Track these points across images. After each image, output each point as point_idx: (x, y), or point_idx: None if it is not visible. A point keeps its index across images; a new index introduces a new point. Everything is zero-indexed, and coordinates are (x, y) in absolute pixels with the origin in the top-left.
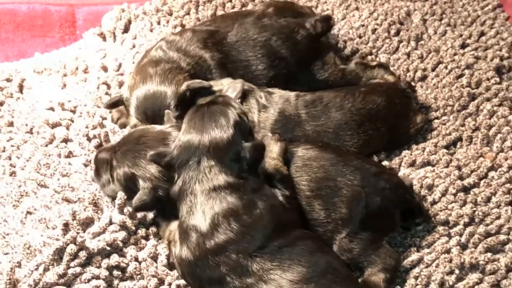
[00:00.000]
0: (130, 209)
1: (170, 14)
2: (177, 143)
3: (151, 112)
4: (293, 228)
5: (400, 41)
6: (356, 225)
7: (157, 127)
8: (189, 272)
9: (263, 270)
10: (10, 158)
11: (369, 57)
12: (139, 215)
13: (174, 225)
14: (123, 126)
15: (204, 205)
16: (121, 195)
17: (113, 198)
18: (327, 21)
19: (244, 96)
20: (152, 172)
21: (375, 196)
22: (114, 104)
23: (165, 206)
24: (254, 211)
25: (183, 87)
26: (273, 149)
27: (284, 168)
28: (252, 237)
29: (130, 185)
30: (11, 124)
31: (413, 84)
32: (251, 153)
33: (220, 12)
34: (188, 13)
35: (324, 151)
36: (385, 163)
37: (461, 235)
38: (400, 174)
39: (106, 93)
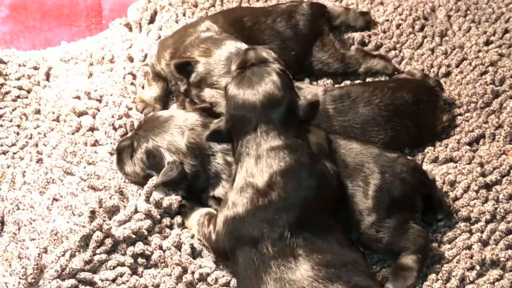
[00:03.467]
0: (156, 198)
1: (196, 6)
2: (228, 116)
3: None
4: (330, 216)
5: (424, 37)
6: (380, 213)
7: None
8: (231, 229)
9: (296, 245)
10: (37, 145)
11: (393, 52)
12: (165, 204)
13: (202, 209)
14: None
15: (264, 163)
16: (150, 184)
17: (138, 183)
18: (321, 7)
19: None
20: (179, 147)
21: (395, 182)
22: (184, 66)
23: (192, 184)
24: (310, 176)
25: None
26: (320, 133)
27: (329, 151)
28: (298, 201)
29: (153, 163)
30: (38, 111)
31: None
32: (307, 109)
33: (245, 5)
34: (213, 5)
35: (348, 141)
36: None
37: (482, 231)
38: None
39: (132, 83)
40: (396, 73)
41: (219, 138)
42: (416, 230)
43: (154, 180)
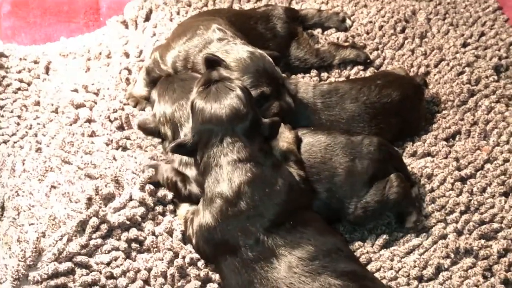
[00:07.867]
0: (151, 187)
1: (189, 5)
2: (195, 129)
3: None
4: (306, 209)
5: (405, 38)
6: (361, 195)
7: None
8: (206, 238)
9: (275, 246)
10: (36, 135)
11: (375, 52)
12: (160, 194)
13: (192, 205)
14: (142, 110)
15: (231, 174)
16: (145, 174)
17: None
18: (294, 11)
19: None
20: (166, 111)
21: (365, 162)
22: (213, 62)
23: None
24: (275, 185)
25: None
26: (288, 135)
27: (298, 153)
28: (269, 210)
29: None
30: (37, 103)
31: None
32: (270, 129)
33: (236, 5)
34: (206, 5)
35: (316, 135)
36: None
37: (457, 222)
38: None
39: (127, 79)
40: (368, 61)
41: (183, 151)
42: (391, 186)
43: (150, 172)
